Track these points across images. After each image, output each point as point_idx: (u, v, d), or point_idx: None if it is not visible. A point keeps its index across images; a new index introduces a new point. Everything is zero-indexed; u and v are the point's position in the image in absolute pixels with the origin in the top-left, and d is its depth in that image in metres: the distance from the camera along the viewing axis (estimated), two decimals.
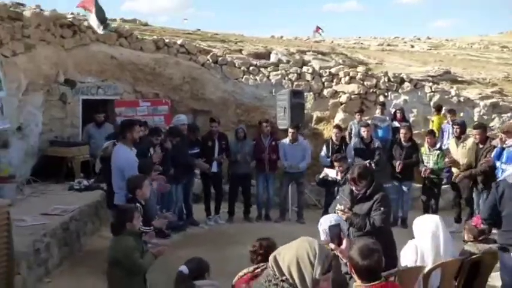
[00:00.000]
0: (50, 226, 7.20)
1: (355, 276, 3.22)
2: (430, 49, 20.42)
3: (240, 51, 14.44)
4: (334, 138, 10.39)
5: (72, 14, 12.35)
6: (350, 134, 11.99)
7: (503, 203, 5.32)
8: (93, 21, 10.46)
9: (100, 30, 10.58)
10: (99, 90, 12.03)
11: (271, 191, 10.60)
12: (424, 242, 4.94)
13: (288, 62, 13.78)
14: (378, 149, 10.42)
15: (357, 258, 3.17)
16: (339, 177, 9.13)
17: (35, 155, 10.56)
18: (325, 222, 4.45)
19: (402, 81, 13.31)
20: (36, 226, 7.05)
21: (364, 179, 5.35)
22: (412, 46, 20.94)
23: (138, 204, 5.75)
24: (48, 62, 10.90)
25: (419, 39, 24.49)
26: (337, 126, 10.75)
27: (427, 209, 9.96)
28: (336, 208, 5.42)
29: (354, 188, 5.45)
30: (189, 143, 9.86)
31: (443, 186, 10.30)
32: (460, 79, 14.48)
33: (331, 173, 9.44)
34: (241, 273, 3.98)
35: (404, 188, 10.16)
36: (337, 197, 5.86)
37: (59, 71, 11.24)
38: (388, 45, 20.61)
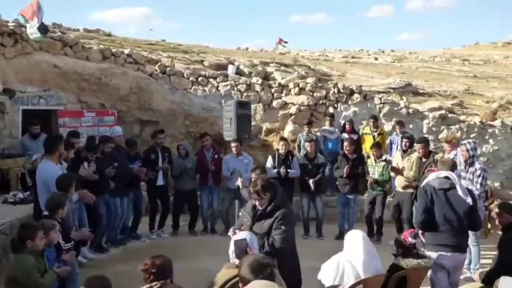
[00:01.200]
0: None
1: None
2: (394, 61, 20.78)
3: (202, 62, 14.44)
4: (280, 150, 10.39)
5: (14, 21, 12.06)
6: (299, 146, 12.04)
7: (433, 206, 5.51)
8: (30, 28, 10.29)
9: (30, 36, 10.42)
10: (41, 100, 11.76)
11: (216, 204, 10.53)
12: (352, 255, 4.92)
13: (250, 73, 13.79)
14: (322, 165, 10.45)
15: (248, 275, 3.01)
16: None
17: None
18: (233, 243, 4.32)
19: (352, 92, 13.43)
20: None
21: (268, 192, 5.04)
22: (376, 59, 21.27)
23: (55, 222, 5.67)
24: None
25: (383, 51, 24.89)
26: (283, 138, 10.85)
27: (370, 222, 10.03)
28: (231, 228, 5.08)
29: (257, 203, 5.09)
30: (128, 157, 9.70)
31: (388, 199, 10.35)
32: (421, 91, 14.73)
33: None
34: None
35: (350, 200, 10.21)
36: (239, 213, 5.62)
37: None
38: (353, 57, 20.89)
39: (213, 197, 10.53)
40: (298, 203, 10.51)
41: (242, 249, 4.08)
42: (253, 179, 5.54)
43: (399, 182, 9.57)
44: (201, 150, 10.72)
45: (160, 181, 10.26)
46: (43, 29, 10.72)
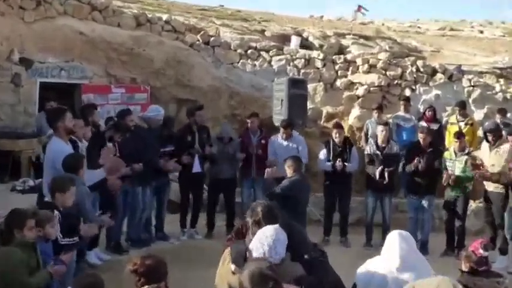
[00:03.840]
0: None
1: None
2: (504, 36, 19.79)
3: (263, 32, 14.36)
4: (335, 139, 9.96)
5: None
6: (366, 135, 11.74)
7: None
8: None
9: None
10: (62, 72, 11.85)
11: (260, 198, 10.12)
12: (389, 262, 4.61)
13: (320, 46, 13.66)
14: (396, 156, 9.94)
15: (248, 285, 3.16)
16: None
17: None
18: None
19: (434, 72, 13.02)
20: None
21: (270, 222, 4.37)
22: (481, 32, 20.34)
23: (56, 212, 5.57)
24: None
25: (490, 23, 23.78)
26: (338, 125, 10.48)
27: (450, 231, 9.47)
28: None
29: None
30: (160, 138, 9.49)
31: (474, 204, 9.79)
32: None
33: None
34: None
35: (425, 204, 9.68)
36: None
37: (14, 48, 11.14)
38: (451, 29, 19.99)
39: (256, 190, 10.20)
40: (360, 204, 10.17)
41: (240, 254, 3.93)
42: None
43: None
44: (245, 132, 10.43)
45: (196, 167, 9.93)
46: None
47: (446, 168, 9.47)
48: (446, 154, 9.63)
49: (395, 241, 4.63)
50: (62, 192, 5.79)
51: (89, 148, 7.68)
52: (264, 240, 4.03)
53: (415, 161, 9.49)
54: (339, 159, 9.75)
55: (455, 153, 9.44)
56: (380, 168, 9.68)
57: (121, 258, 8.59)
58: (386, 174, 9.68)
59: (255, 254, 4.00)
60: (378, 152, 9.87)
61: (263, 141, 10.20)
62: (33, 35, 11.59)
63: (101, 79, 12.31)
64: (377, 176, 9.68)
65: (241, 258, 3.88)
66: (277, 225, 4.20)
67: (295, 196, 7.73)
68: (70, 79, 11.97)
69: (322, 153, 10.06)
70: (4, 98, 11.07)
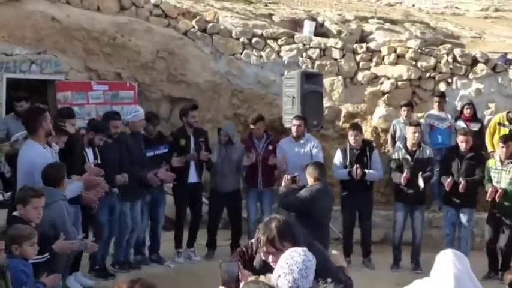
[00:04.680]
0: None
1: None
2: None
3: (270, 16, 14.46)
4: (352, 142, 10.18)
5: None
6: (393, 137, 11.95)
7: None
8: None
9: None
10: (33, 66, 11.91)
11: (267, 213, 10.32)
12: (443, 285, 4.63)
13: (339, 33, 13.76)
14: (429, 161, 10.16)
15: None
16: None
17: None
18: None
19: (475, 62, 13.11)
20: None
21: (288, 241, 4.39)
22: None
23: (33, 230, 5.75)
24: None
25: None
26: (355, 126, 10.65)
27: (493, 251, 9.67)
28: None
29: (270, 260, 4.43)
30: (146, 142, 9.75)
31: None
32: None
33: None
34: None
35: (463, 219, 9.90)
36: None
37: None
38: (496, 10, 20.01)
39: (264, 203, 10.45)
40: (386, 218, 10.38)
41: (232, 275, 3.97)
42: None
43: None
44: (249, 138, 10.65)
45: (192, 177, 10.22)
46: None
47: (491, 180, 9.68)
48: (490, 162, 9.78)
49: (449, 261, 4.64)
50: (23, 204, 6.00)
51: (62, 154, 7.82)
52: (294, 266, 3.90)
53: (449, 179, 9.69)
54: (356, 165, 9.94)
55: (502, 162, 9.61)
56: (406, 171, 9.82)
57: (106, 284, 8.85)
58: (421, 180, 9.80)
59: (281, 283, 3.87)
60: (407, 156, 10.06)
61: (270, 147, 10.42)
62: None
63: (79, 74, 12.39)
64: (402, 182, 9.87)
65: (232, 282, 3.87)
66: (305, 248, 4.11)
67: (316, 209, 7.99)
68: (43, 74, 12.05)
69: (337, 159, 10.27)
70: None
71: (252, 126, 10.59)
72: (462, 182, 9.69)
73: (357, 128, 10.50)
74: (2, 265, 5.05)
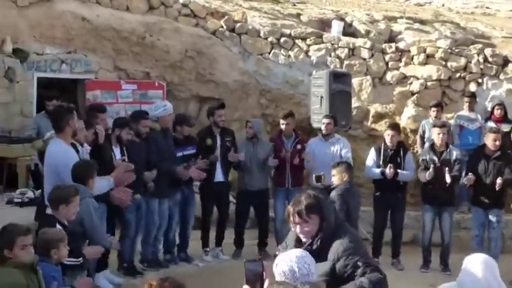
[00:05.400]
0: None
1: None
2: None
3: (298, 16, 14.46)
4: (388, 142, 10.17)
5: None
6: (422, 137, 11.92)
7: None
8: None
9: None
10: (63, 65, 12.12)
11: None
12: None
13: (367, 33, 13.74)
14: (457, 162, 10.12)
15: None
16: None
17: None
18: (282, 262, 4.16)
19: (506, 62, 13.04)
20: None
21: (315, 213, 4.59)
22: None
23: (58, 226, 5.84)
24: None
25: None
26: (393, 126, 10.59)
27: None
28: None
29: (297, 231, 4.65)
30: (176, 142, 9.86)
31: None
32: None
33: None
34: None
35: (492, 219, 9.83)
36: (276, 252, 4.93)
37: (6, 37, 11.42)
38: None
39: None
40: (415, 219, 10.33)
41: (255, 273, 3.98)
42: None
43: None
44: (278, 136, 10.65)
45: (219, 176, 10.29)
46: None
47: None
48: None
49: (477, 267, 4.59)
50: (65, 203, 6.04)
51: (92, 153, 8.02)
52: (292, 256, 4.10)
53: (470, 176, 9.69)
54: (390, 165, 9.93)
55: None
56: (431, 168, 9.79)
57: (135, 282, 8.97)
58: (448, 176, 9.73)
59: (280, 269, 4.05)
60: (434, 157, 10.04)
61: (299, 146, 10.42)
62: (28, 21, 11.87)
63: (109, 73, 12.56)
64: (427, 178, 9.81)
65: (256, 281, 3.80)
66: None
67: (344, 209, 8.06)
68: (73, 74, 12.25)
69: (371, 158, 10.25)
70: None
71: (282, 121, 10.56)
72: (498, 180, 9.59)
73: (395, 128, 10.44)
74: (32, 261, 5.06)
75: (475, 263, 4.63)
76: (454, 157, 10.06)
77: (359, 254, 4.55)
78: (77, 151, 7.39)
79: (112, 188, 7.58)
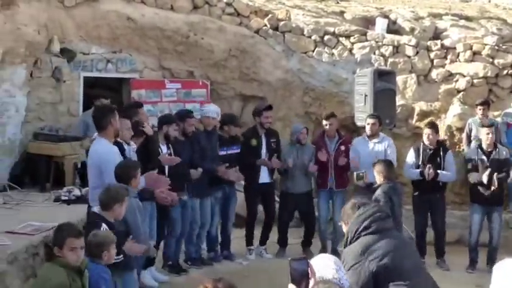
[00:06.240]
0: (11, 249, 7.35)
1: None
2: None
3: (342, 14, 14.44)
4: (426, 141, 10.13)
5: None
6: (469, 136, 11.82)
7: None
8: None
9: None
10: (109, 65, 12.35)
11: (338, 214, 10.35)
12: None
13: (411, 30, 13.65)
14: (506, 162, 10.03)
15: None
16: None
17: (14, 151, 11.04)
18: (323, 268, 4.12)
19: None
20: None
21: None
22: None
23: (104, 225, 5.97)
24: (35, 24, 11.30)
25: None
26: (431, 124, 10.56)
27: None
28: None
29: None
30: (221, 142, 10.00)
31: None
32: None
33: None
34: None
35: None
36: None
37: (53, 37, 11.64)
38: None
39: (336, 203, 10.41)
40: (461, 219, 10.38)
41: (301, 272, 3.96)
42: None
43: None
44: (321, 137, 10.67)
45: (264, 177, 10.38)
46: None
47: None
48: None
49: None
50: (120, 203, 6.17)
51: (139, 152, 8.17)
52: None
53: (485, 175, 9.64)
54: (429, 165, 9.88)
55: None
56: (488, 171, 9.71)
57: (179, 280, 9.17)
58: (495, 181, 9.70)
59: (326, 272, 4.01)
60: (483, 157, 9.95)
61: (342, 147, 10.41)
62: (74, 21, 12.09)
63: (153, 73, 12.77)
64: (485, 181, 9.75)
65: (302, 280, 3.83)
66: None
67: (389, 207, 7.96)
68: (118, 73, 12.49)
69: (410, 158, 10.22)
70: (44, 96, 11.57)
71: (324, 121, 10.56)
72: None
73: (432, 127, 10.37)
74: (79, 263, 5.18)
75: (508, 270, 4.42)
76: (503, 156, 9.99)
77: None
78: (123, 150, 7.58)
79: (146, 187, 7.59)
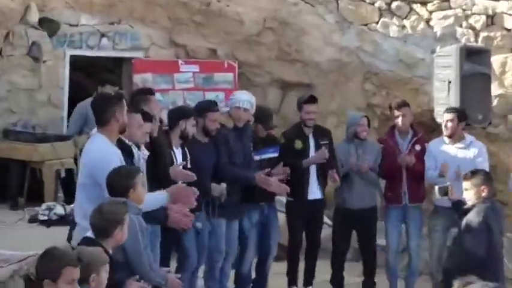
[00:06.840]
0: None
1: None
2: None
3: None
4: None
5: None
6: None
7: None
8: None
9: None
10: (103, 40, 12.29)
11: (414, 241, 10.28)
12: None
13: None
14: None
15: None
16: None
17: None
18: None
19: None
20: None
21: None
22: None
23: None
24: None
25: None
26: None
27: None
28: None
29: None
30: (255, 143, 9.81)
31: None
32: None
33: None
34: None
35: None
36: None
37: (30, 3, 11.61)
38: None
39: (410, 225, 10.25)
40: None
41: None
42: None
43: None
44: (389, 134, 10.47)
45: (314, 192, 10.15)
46: None
47: None
48: None
49: None
50: (121, 224, 5.92)
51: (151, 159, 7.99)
52: None
53: None
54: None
55: None
56: None
57: None
58: None
59: None
60: None
61: (418, 147, 10.20)
62: None
63: (163, 51, 12.76)
64: None
65: None
66: None
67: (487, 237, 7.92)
68: (116, 51, 12.46)
69: None
70: (17, 80, 11.54)
71: (396, 112, 10.27)
72: None
73: None
74: None
75: None
76: None
77: None
78: (132, 155, 7.35)
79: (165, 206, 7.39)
